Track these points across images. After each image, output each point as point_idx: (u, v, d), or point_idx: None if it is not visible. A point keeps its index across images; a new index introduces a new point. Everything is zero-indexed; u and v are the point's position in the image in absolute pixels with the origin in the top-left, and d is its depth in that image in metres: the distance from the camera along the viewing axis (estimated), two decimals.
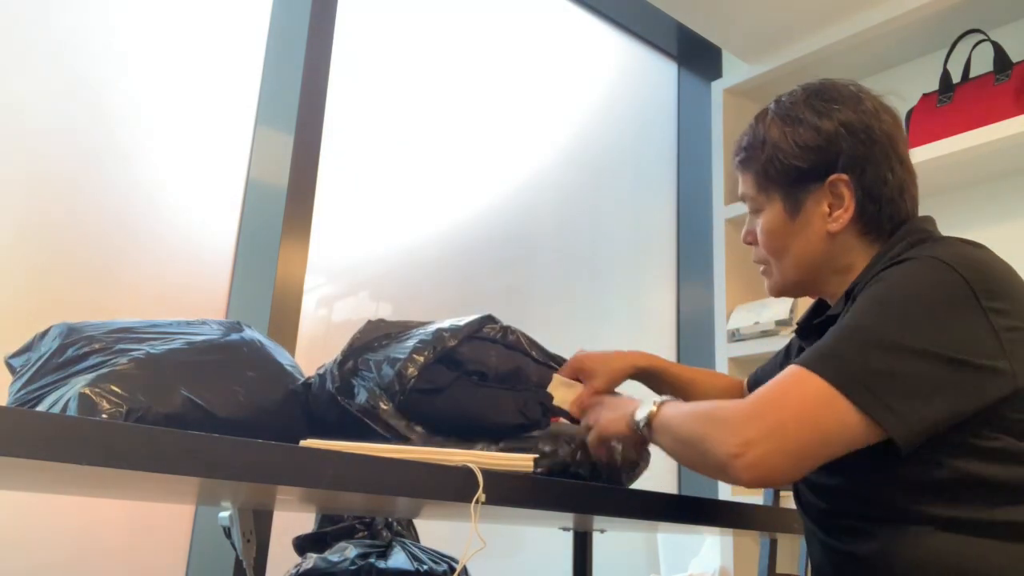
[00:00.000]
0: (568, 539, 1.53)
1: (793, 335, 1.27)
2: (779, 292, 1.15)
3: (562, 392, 1.18)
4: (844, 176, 1.05)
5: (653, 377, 1.33)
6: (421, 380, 1.04)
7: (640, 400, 1.07)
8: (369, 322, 1.14)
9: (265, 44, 1.80)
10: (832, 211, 1.06)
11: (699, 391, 1.36)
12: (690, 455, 0.97)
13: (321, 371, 1.15)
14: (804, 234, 1.08)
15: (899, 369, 0.87)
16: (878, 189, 1.05)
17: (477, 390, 1.08)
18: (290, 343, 1.60)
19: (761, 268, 1.16)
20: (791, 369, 0.91)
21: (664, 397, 1.04)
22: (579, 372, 1.23)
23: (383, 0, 2.00)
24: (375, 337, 1.11)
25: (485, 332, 1.15)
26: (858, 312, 0.92)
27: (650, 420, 1.02)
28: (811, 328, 1.12)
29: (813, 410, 0.87)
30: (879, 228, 1.06)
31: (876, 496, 0.94)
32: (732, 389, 1.40)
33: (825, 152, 1.06)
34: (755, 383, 1.35)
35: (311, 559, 1.26)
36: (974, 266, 0.92)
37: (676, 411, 1.00)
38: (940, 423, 0.87)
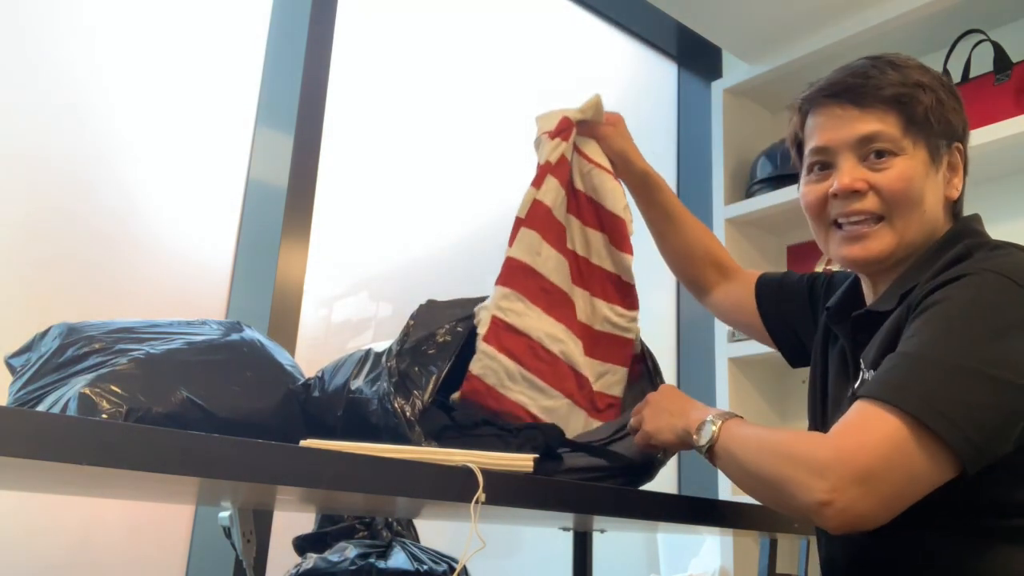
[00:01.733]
0: (568, 539, 1.53)
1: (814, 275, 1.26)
2: (888, 253, 1.02)
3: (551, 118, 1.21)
4: (962, 146, 1.05)
5: (653, 193, 1.38)
6: (420, 424, 1.00)
7: (695, 409, 1.01)
8: (422, 306, 1.09)
9: (265, 44, 1.80)
10: (951, 177, 1.04)
11: (684, 238, 1.39)
12: (764, 492, 0.92)
13: (320, 373, 1.15)
14: (935, 191, 1.03)
15: (971, 398, 0.84)
16: (967, 170, 1.06)
17: (464, 443, 1.02)
18: (290, 343, 1.60)
19: (858, 227, 1.03)
20: (865, 405, 0.86)
21: (724, 412, 0.98)
22: (608, 118, 1.30)
23: (383, 0, 2.00)
24: (427, 335, 1.05)
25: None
26: (924, 337, 0.88)
27: (711, 445, 0.96)
28: (844, 316, 1.07)
29: (899, 448, 0.83)
30: (957, 211, 1.06)
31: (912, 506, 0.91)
32: (720, 266, 1.39)
33: (961, 115, 1.05)
34: (764, 288, 1.31)
35: (311, 559, 1.26)
36: None
37: (744, 439, 0.94)
38: (1003, 450, 0.85)
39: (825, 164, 1.05)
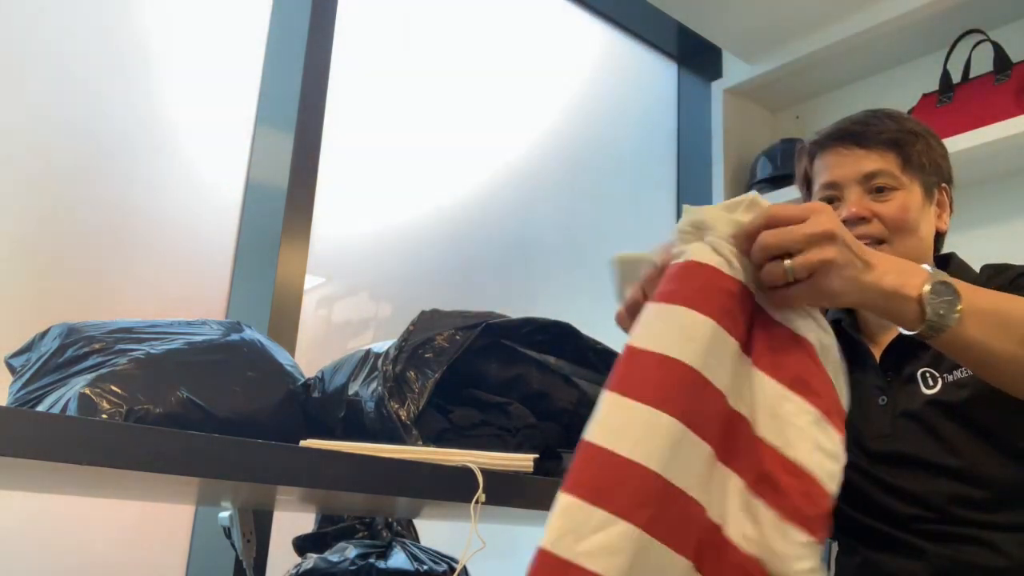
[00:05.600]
0: None
1: None
2: None
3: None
4: (949, 188, 1.22)
5: None
6: (417, 427, 0.99)
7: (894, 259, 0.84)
8: (423, 313, 1.09)
9: (265, 44, 1.80)
10: (940, 213, 1.20)
11: None
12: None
13: (320, 373, 1.15)
14: (928, 224, 1.18)
15: None
16: (952, 209, 1.22)
17: (463, 443, 1.02)
18: (290, 343, 1.60)
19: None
20: None
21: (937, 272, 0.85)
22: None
23: (384, 0, 2.00)
24: (425, 339, 1.05)
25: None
26: None
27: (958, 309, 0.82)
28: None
29: None
30: (940, 245, 1.22)
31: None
32: None
33: (947, 161, 1.23)
34: None
35: (311, 559, 1.26)
36: None
37: (998, 300, 0.87)
38: None
39: (833, 198, 1.19)
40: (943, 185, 1.21)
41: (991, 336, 0.84)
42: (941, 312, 0.81)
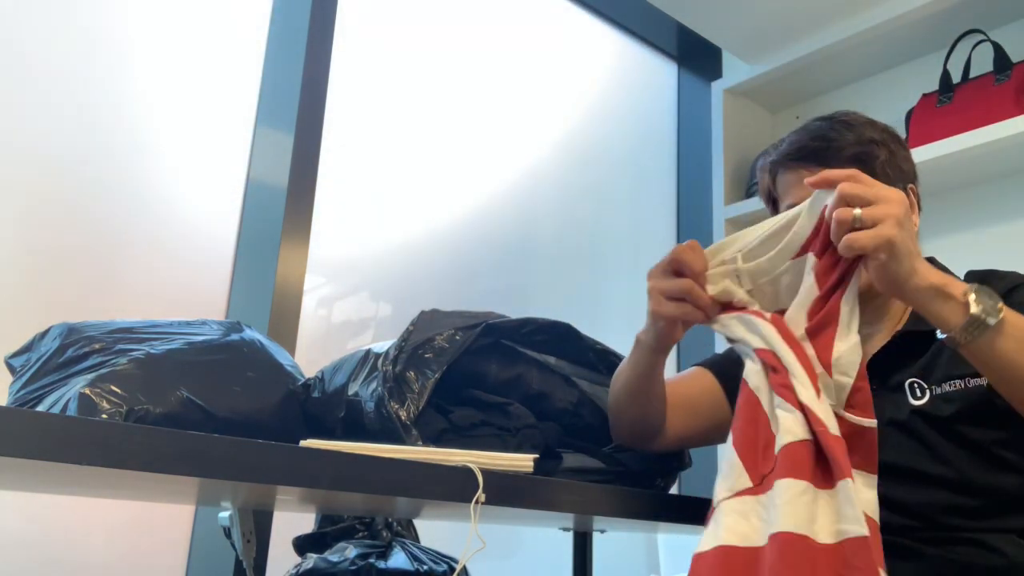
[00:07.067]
0: (568, 539, 1.53)
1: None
2: (868, 286, 1.11)
3: None
4: (915, 188, 1.16)
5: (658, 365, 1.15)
6: (417, 427, 0.99)
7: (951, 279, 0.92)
8: (423, 313, 1.08)
9: (265, 44, 1.80)
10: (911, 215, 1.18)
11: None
12: None
13: (320, 373, 1.15)
14: None
15: None
16: (920, 207, 1.17)
17: (463, 443, 1.01)
18: (290, 343, 1.60)
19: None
20: None
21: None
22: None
23: (383, 0, 2.00)
24: (425, 339, 1.04)
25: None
26: None
27: (999, 321, 0.87)
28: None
29: None
30: None
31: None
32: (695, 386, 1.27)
33: (910, 161, 1.18)
34: (716, 366, 1.26)
35: (311, 559, 1.26)
36: None
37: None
38: None
39: None
40: (910, 186, 1.16)
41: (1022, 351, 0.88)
42: (986, 310, 0.87)
